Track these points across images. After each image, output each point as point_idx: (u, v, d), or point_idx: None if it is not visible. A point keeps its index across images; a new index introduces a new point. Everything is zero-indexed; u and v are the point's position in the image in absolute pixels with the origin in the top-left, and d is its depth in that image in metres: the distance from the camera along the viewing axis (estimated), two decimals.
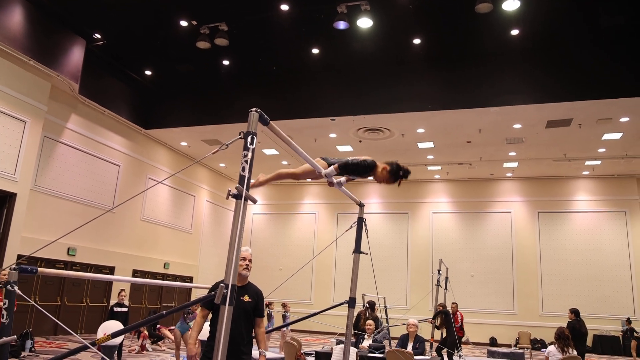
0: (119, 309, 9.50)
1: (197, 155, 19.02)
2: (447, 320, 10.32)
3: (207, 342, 4.16)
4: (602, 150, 16.53)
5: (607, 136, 15.18)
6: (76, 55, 12.84)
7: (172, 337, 10.17)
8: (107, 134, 15.46)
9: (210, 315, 4.23)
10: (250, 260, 4.24)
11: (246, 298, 4.12)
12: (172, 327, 10.73)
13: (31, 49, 11.57)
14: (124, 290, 10.28)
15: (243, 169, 2.71)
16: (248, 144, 2.75)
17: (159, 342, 12.72)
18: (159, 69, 15.63)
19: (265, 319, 11.87)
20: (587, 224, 19.38)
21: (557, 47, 12.94)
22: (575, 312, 9.58)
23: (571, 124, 14.31)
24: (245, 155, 2.73)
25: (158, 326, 12.76)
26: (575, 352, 7.56)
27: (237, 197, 2.63)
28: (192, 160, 19.48)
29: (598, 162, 17.87)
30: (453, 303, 11.68)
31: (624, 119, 13.82)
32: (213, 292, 4.05)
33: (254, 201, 2.76)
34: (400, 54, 14.00)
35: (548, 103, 13.22)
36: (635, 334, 15.70)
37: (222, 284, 2.51)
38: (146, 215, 17.23)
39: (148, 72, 15.71)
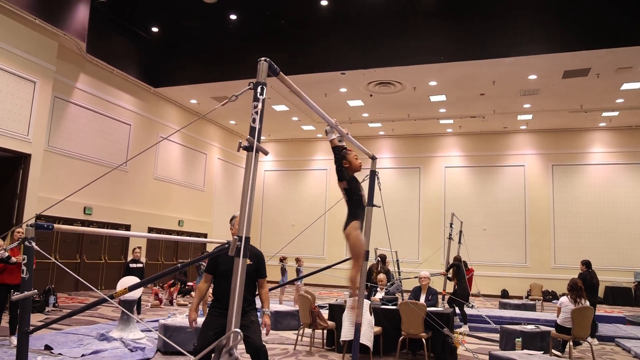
0: (134, 265, 9.68)
1: (208, 113, 18.92)
2: (459, 272, 10.41)
3: (210, 305, 4.23)
4: (620, 100, 16.15)
5: (626, 86, 14.78)
6: (81, 13, 12.64)
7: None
8: (117, 93, 15.40)
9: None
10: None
11: (247, 261, 4.15)
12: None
13: (36, 7, 11.38)
14: (139, 247, 10.44)
15: (254, 121, 2.66)
16: (258, 94, 2.69)
17: (187, 296, 13.18)
18: (166, 25, 15.38)
19: (279, 273, 12.04)
20: (602, 176, 19.17)
21: None
22: (586, 264, 9.57)
23: (589, 74, 13.93)
24: (256, 106, 2.68)
25: (190, 283, 13.18)
26: (587, 303, 7.61)
27: (248, 149, 2.60)
28: (203, 118, 19.43)
29: (615, 114, 17.50)
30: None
31: None
32: (217, 254, 4.13)
33: (266, 153, 2.73)
34: (412, 5, 13.59)
35: (565, 52, 12.82)
36: None
37: (235, 237, 2.51)
38: (159, 173, 17.36)
39: (154, 29, 15.47)
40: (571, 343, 7.56)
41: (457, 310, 9.89)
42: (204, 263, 8.35)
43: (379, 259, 10.37)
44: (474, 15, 13.43)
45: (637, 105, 16.42)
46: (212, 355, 1.94)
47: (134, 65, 15.75)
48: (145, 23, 15.17)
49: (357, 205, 3.95)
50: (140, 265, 9.84)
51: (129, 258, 11.20)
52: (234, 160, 22.10)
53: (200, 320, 4.30)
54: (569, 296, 7.58)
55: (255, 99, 2.69)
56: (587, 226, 18.89)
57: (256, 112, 2.67)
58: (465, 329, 9.51)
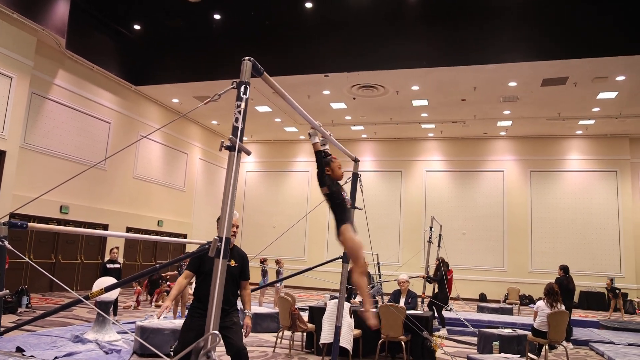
0: (111, 266, 9.52)
1: (190, 112, 18.78)
2: (441, 274, 10.43)
3: (191, 305, 4.20)
4: (596, 109, 16.47)
5: (602, 95, 15.08)
6: (61, 8, 12.42)
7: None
8: (97, 90, 15.16)
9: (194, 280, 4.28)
10: (237, 227, 4.22)
11: (232, 263, 4.13)
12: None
13: (14, 2, 11.14)
14: (117, 247, 10.28)
15: (236, 120, 2.64)
16: (241, 93, 2.67)
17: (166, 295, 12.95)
18: (149, 23, 15.20)
19: (260, 275, 11.97)
20: (578, 183, 19.53)
21: (554, 4, 12.66)
22: (564, 269, 9.74)
23: (567, 83, 14.18)
24: (239, 106, 2.66)
25: (168, 283, 12.91)
26: (563, 307, 7.72)
27: (231, 148, 2.57)
28: (183, 118, 19.25)
29: (592, 122, 17.84)
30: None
31: (620, 78, 13.70)
32: (199, 254, 4.11)
33: (248, 153, 2.70)
34: (396, 10, 13.67)
35: (544, 61, 13.04)
36: (618, 292, 16.01)
37: (215, 237, 2.48)
38: (139, 173, 17.14)
39: (137, 27, 15.28)
40: (547, 347, 7.66)
41: (436, 314, 9.95)
42: (184, 264, 8.25)
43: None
44: (457, 21, 13.57)
45: (612, 114, 16.78)
46: (190, 357, 1.91)
47: (115, 62, 15.53)
48: (128, 20, 14.98)
49: (342, 209, 3.89)
50: (117, 265, 9.69)
51: (106, 258, 11.00)
52: (216, 160, 21.95)
53: (180, 322, 4.26)
54: (545, 300, 7.68)
55: (239, 99, 2.67)
56: (563, 232, 19.20)
57: (239, 112, 2.65)
58: (443, 332, 9.57)
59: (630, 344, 9.26)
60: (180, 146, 19.50)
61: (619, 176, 19.16)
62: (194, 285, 4.35)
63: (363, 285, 3.67)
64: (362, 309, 3.66)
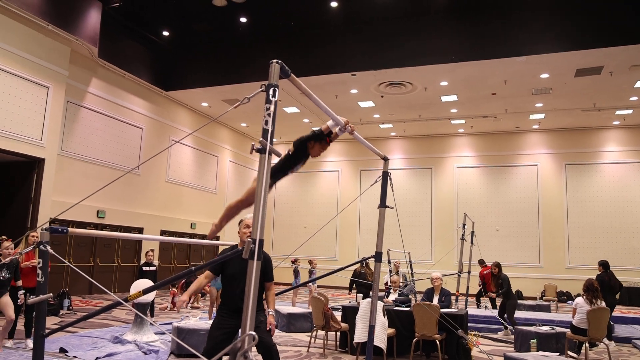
0: (147, 268, 9.74)
1: (220, 116, 19.04)
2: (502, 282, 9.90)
3: (218, 311, 4.28)
4: (634, 98, 15.93)
5: (639, 83, 14.61)
6: (93, 18, 12.76)
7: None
8: (129, 96, 15.52)
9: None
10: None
11: None
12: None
13: (48, 13, 11.52)
14: (152, 250, 10.50)
15: (266, 123, 2.66)
16: (270, 96, 2.69)
17: (203, 298, 13.17)
18: (176, 29, 15.46)
19: (292, 276, 12.08)
20: (616, 175, 18.95)
21: None
22: (604, 265, 9.40)
23: (602, 72, 13.76)
24: (268, 109, 2.67)
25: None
26: (603, 304, 7.51)
27: (261, 151, 2.59)
28: (215, 121, 19.50)
29: (629, 111, 17.28)
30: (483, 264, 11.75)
31: None
32: (223, 256, 4.19)
33: (279, 154, 2.72)
34: (421, 5, 13.53)
35: (577, 50, 12.69)
36: None
37: (249, 239, 2.50)
38: (171, 176, 17.46)
39: (165, 33, 15.56)
40: (587, 344, 7.46)
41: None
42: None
43: (363, 262, 10.47)
44: (484, 14, 13.35)
45: None
46: (227, 359, 1.94)
47: (146, 69, 15.87)
48: (156, 27, 15.28)
49: (284, 169, 3.88)
50: (153, 268, 9.90)
51: (142, 261, 11.25)
52: (246, 162, 22.16)
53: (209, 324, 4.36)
54: (584, 297, 7.48)
55: (268, 101, 2.69)
56: (601, 226, 18.67)
57: (268, 114, 2.67)
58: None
59: None
60: (210, 149, 19.77)
61: None
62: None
63: (230, 210, 3.61)
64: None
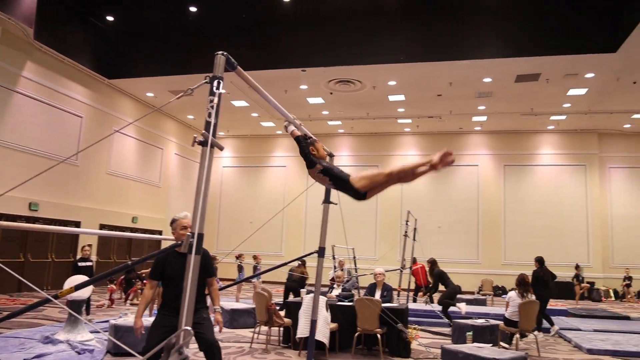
0: (83, 264, 9.29)
1: (164, 106, 18.56)
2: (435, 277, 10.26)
3: (159, 310, 4.20)
4: (567, 105, 16.83)
5: (572, 91, 15.43)
6: None
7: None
8: (68, 83, 14.82)
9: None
10: (188, 228, 4.18)
11: None
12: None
13: None
14: (90, 245, 10.07)
15: (209, 115, 2.61)
16: (214, 88, 2.64)
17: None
18: (122, 15, 14.91)
19: (236, 271, 11.90)
20: (549, 177, 19.97)
21: (529, 1, 12.88)
22: (539, 261, 9.90)
23: (539, 79, 14.45)
24: (212, 101, 2.63)
25: (144, 281, 12.67)
26: (533, 297, 7.91)
27: (203, 143, 2.55)
28: (158, 112, 18.99)
29: (563, 117, 18.24)
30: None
31: (589, 75, 14.04)
32: (160, 260, 4.10)
33: (221, 148, 2.68)
34: (374, 4, 13.70)
35: (518, 57, 13.26)
36: (581, 279, 16.59)
37: (188, 234, 2.45)
38: (112, 168, 16.86)
39: (110, 18, 14.97)
40: (518, 335, 7.83)
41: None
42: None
43: (300, 263, 10.58)
44: (433, 17, 13.67)
45: (582, 110, 17.18)
46: (162, 354, 1.89)
47: (87, 54, 15.21)
48: (100, 11, 14.66)
49: (342, 178, 3.58)
50: (89, 263, 9.48)
51: (78, 256, 10.78)
52: (191, 155, 21.72)
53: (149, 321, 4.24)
54: (516, 291, 7.86)
55: (212, 93, 2.65)
56: (535, 224, 19.61)
57: (212, 107, 2.62)
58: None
59: (595, 330, 9.57)
60: (155, 141, 19.25)
61: (587, 170, 19.68)
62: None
63: (400, 167, 3.40)
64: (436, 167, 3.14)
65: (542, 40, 12.99)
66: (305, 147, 3.70)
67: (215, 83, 2.66)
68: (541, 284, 9.43)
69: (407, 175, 3.33)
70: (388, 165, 21.21)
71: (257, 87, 3.43)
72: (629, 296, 17.65)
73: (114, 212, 16.76)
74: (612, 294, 18.44)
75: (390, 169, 3.33)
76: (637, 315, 12.68)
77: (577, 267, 16.87)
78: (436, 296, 11.79)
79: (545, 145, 20.25)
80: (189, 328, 2.01)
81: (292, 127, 3.98)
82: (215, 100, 2.63)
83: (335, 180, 3.59)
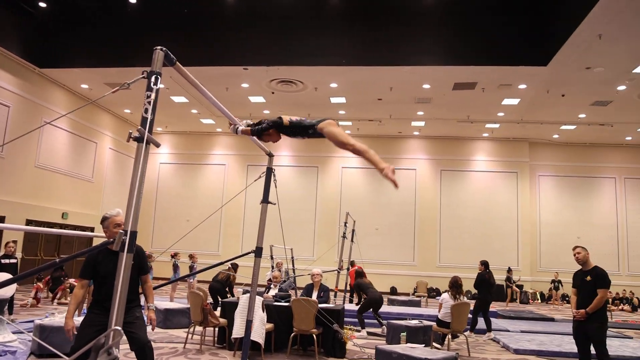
0: (7, 261, 8.81)
1: (100, 99, 17.85)
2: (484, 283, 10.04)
3: (90, 305, 4.07)
4: (501, 114, 17.63)
5: (506, 101, 16.20)
6: None
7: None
8: None
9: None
10: (121, 225, 4.08)
11: None
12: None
13: None
14: (14, 241, 9.55)
15: (146, 111, 2.56)
16: (152, 84, 2.59)
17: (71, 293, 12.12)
18: (57, 2, 14.17)
19: (171, 270, 11.62)
20: (483, 183, 20.84)
21: (467, 13, 13.37)
22: (485, 264, 10.14)
23: (475, 88, 15.06)
24: (149, 96, 2.58)
25: (73, 280, 12.06)
26: (465, 299, 8.23)
27: (139, 140, 2.49)
28: (93, 105, 18.24)
29: (497, 126, 19.10)
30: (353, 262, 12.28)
31: (522, 86, 14.79)
32: (91, 258, 3.99)
33: (157, 145, 2.63)
34: (318, 6, 13.77)
35: (456, 66, 13.77)
36: (512, 282, 17.45)
37: (120, 231, 2.39)
38: (41, 161, 16.02)
39: (42, 4, 14.19)
40: (450, 336, 8.12)
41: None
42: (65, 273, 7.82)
43: (230, 266, 10.56)
44: (376, 22, 13.88)
45: (514, 119, 18.06)
46: (90, 355, 1.83)
47: (16, 41, 14.36)
48: None
49: (304, 125, 3.66)
50: (14, 260, 9.00)
51: (1, 253, 10.18)
52: (127, 150, 20.99)
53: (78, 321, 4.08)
54: (449, 293, 8.14)
55: (149, 89, 2.59)
56: (469, 228, 20.39)
57: (149, 102, 2.57)
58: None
59: (522, 331, 10.09)
60: (89, 135, 18.46)
61: (519, 177, 20.69)
62: None
63: (364, 149, 3.52)
64: (383, 173, 3.37)
65: (479, 51, 13.54)
66: (264, 129, 3.70)
67: (152, 79, 2.61)
68: (485, 286, 9.75)
69: (361, 155, 3.59)
70: (327, 167, 21.45)
71: (196, 83, 3.38)
72: (554, 299, 18.68)
73: (42, 207, 15.93)
74: (538, 297, 19.48)
75: (356, 144, 3.59)
76: (561, 316, 13.45)
77: (509, 270, 17.66)
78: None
79: (480, 151, 21.12)
80: (119, 328, 1.97)
81: (241, 125, 3.94)
82: (153, 96, 2.58)
83: (296, 132, 3.69)
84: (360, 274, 10.12)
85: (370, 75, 14.65)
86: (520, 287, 19.05)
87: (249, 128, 3.91)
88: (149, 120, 2.54)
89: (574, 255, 5.87)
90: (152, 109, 2.57)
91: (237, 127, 3.96)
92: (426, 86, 15.21)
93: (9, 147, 14.10)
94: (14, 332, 6.91)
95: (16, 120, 14.65)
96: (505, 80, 14.40)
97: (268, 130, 3.76)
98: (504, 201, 20.53)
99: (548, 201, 21.01)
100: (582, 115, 17.35)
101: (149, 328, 4.08)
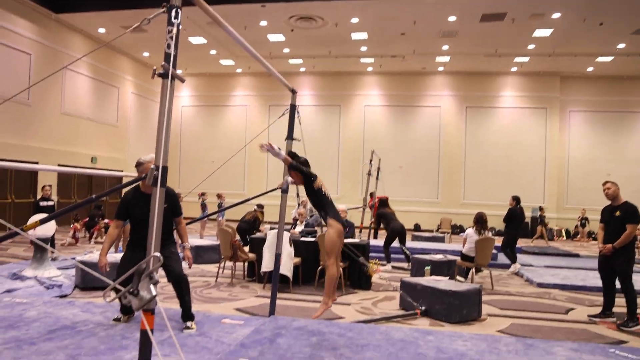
0: (45, 203, 9.20)
1: (118, 43, 17.78)
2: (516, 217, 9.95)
3: (127, 247, 4.35)
4: (531, 46, 16.94)
5: (537, 32, 15.49)
6: None
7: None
8: (11, 17, 13.90)
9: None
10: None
11: None
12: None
13: None
14: (50, 185, 9.88)
15: (168, 46, 2.55)
16: (172, 18, 2.56)
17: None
18: None
19: (200, 210, 11.91)
20: (510, 119, 20.39)
21: None
22: (516, 199, 9.95)
23: (505, 18, 14.40)
24: (170, 31, 2.56)
25: (107, 221, 12.52)
26: (490, 234, 8.29)
27: (164, 75, 2.50)
28: (112, 49, 18.21)
29: (526, 59, 18.41)
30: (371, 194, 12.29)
31: (556, 15, 14.04)
32: (125, 205, 4.16)
33: (182, 80, 2.64)
34: None
35: None
36: (544, 221, 17.23)
37: (152, 166, 2.45)
38: (67, 108, 16.25)
39: None
40: (473, 270, 8.26)
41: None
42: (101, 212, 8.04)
43: (257, 207, 10.75)
44: None
45: (545, 52, 17.35)
46: (133, 280, 1.95)
47: None
48: None
49: (327, 201, 4.06)
50: (51, 203, 9.37)
51: (39, 196, 10.57)
52: (149, 94, 21.09)
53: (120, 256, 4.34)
54: (474, 228, 8.20)
55: (170, 23, 2.57)
56: (494, 165, 20.19)
57: (170, 37, 2.55)
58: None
59: (546, 266, 10.16)
60: (110, 80, 18.54)
61: (548, 113, 20.15)
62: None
63: (331, 278, 3.71)
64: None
65: None
66: (299, 170, 3.95)
67: (173, 12, 2.58)
68: (516, 221, 9.71)
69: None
70: (350, 105, 21.21)
71: (217, 18, 3.34)
72: (580, 236, 18.60)
73: (72, 152, 16.32)
74: (564, 234, 19.45)
75: (328, 258, 3.87)
76: (587, 253, 13.46)
77: (540, 208, 17.42)
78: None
79: (508, 87, 20.54)
80: (158, 254, 2.07)
81: (282, 154, 3.94)
82: (174, 30, 2.56)
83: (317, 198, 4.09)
84: (384, 202, 10.11)
85: (393, 9, 14.13)
86: (545, 223, 19.06)
87: (290, 160, 3.98)
88: (172, 55, 2.54)
89: (604, 190, 5.80)
90: (175, 44, 2.56)
91: (279, 150, 3.95)
92: (452, 18, 14.63)
93: (35, 95, 14.32)
94: (58, 268, 7.31)
95: (38, 68, 14.76)
96: (538, 9, 13.69)
97: (299, 174, 3.97)
98: (532, 138, 20.13)
99: (578, 138, 20.52)
100: (620, 46, 16.50)
101: (185, 265, 4.30)
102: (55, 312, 4.61)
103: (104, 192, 3.23)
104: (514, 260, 9.55)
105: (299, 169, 3.91)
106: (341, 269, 6.83)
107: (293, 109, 4.88)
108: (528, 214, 18.17)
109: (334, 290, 3.56)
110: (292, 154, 4.03)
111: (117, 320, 4.36)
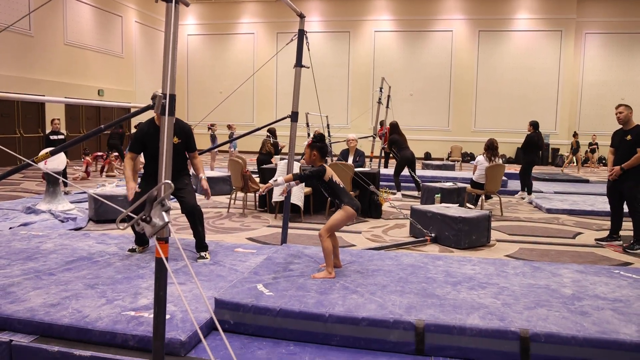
0: (55, 137, 9.22)
1: None
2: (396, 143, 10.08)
3: (142, 180, 4.35)
4: None
5: None
6: None
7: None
8: None
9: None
10: None
11: (175, 140, 4.10)
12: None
13: None
14: (58, 118, 9.87)
15: None
16: None
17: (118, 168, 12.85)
18: None
19: (209, 141, 11.92)
20: (524, 43, 19.71)
21: None
22: (534, 125, 9.64)
23: None
24: None
25: (116, 153, 12.65)
26: (500, 161, 8.23)
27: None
28: None
29: None
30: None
31: None
32: (139, 138, 4.12)
33: (187, 4, 2.53)
34: None
35: None
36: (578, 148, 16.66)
37: (159, 94, 2.41)
38: (70, 39, 15.92)
39: None
40: (483, 197, 8.29)
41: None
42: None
43: (268, 134, 10.55)
44: None
45: None
46: (145, 207, 1.97)
47: None
48: None
49: (339, 189, 3.84)
50: (61, 136, 9.40)
51: (48, 130, 10.59)
52: (154, 23, 20.55)
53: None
54: (484, 155, 8.14)
55: None
56: (506, 91, 19.79)
57: None
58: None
59: (556, 192, 10.17)
60: (113, 8, 18.02)
61: (563, 36, 19.43)
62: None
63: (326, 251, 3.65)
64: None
65: None
66: (314, 173, 3.72)
67: None
68: (533, 148, 9.51)
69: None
70: (359, 31, 20.57)
71: None
72: (590, 162, 18.47)
73: (77, 85, 16.18)
74: (575, 160, 19.28)
75: (325, 231, 3.70)
76: (596, 178, 13.41)
77: (575, 134, 16.80)
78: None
79: (522, 9, 19.70)
80: (169, 181, 2.07)
81: (283, 182, 3.80)
82: None
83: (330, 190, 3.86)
84: (395, 127, 9.93)
85: None
86: (556, 150, 18.89)
87: (291, 176, 3.82)
88: None
89: (616, 114, 5.68)
90: None
91: (280, 181, 3.83)
92: None
93: (37, 25, 13.99)
94: (71, 202, 7.44)
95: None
96: None
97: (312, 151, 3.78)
98: (546, 62, 19.54)
99: (593, 61, 19.87)
100: None
101: (200, 196, 4.33)
102: (71, 244, 4.73)
103: (113, 121, 3.20)
104: (529, 191, 9.43)
105: (303, 179, 3.86)
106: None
107: (301, 34, 4.72)
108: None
109: (333, 260, 3.58)
110: (300, 174, 3.89)
111: (132, 250, 4.47)
